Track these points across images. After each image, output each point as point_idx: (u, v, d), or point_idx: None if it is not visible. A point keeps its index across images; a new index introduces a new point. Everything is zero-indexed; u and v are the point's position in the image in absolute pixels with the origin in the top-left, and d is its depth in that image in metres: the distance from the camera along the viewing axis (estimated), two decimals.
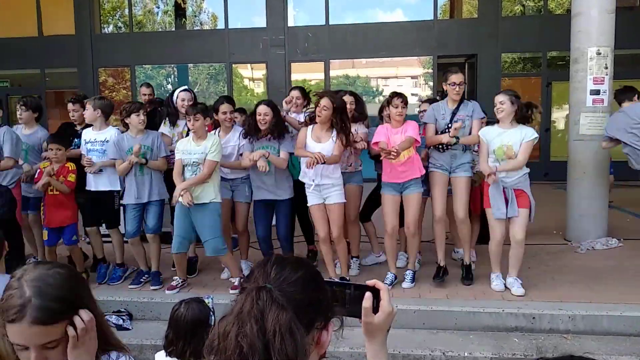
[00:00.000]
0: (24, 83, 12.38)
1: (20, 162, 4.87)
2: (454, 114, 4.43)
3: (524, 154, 4.14)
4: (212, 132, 4.71)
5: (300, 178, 4.43)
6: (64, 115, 5.50)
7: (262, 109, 4.43)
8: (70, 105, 5.21)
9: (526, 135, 4.16)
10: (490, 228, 4.34)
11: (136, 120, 4.48)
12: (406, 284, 4.45)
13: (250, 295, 0.92)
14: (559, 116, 10.75)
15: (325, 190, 4.30)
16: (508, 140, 4.17)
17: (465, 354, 3.66)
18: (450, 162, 4.45)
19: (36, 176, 4.63)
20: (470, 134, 4.41)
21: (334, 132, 4.26)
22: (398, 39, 10.72)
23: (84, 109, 4.84)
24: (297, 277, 0.97)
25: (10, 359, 0.96)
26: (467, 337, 3.88)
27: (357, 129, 4.64)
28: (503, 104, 4.17)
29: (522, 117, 4.21)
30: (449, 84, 4.40)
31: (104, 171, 4.69)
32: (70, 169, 4.61)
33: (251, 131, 4.50)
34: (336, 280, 1.10)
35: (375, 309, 1.08)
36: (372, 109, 5.87)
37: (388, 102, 4.41)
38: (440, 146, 4.44)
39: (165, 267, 4.88)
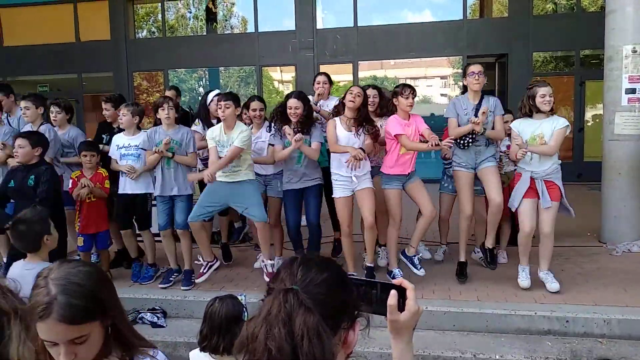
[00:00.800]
0: (63, 87, 12.78)
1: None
2: (477, 108, 4.41)
3: (556, 140, 4.13)
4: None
5: (334, 170, 4.45)
6: (101, 118, 5.68)
7: (293, 102, 4.51)
8: (104, 104, 5.39)
9: (558, 123, 4.17)
10: (520, 221, 4.30)
11: (161, 114, 4.61)
12: (421, 272, 4.44)
13: (278, 298, 0.93)
14: (592, 116, 10.50)
15: (355, 180, 4.36)
16: (540, 130, 4.18)
17: (497, 357, 3.63)
18: (475, 158, 4.45)
19: (70, 186, 4.73)
20: (493, 129, 4.42)
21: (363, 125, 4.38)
22: (427, 39, 10.66)
23: (115, 109, 5.08)
24: (323, 278, 0.98)
25: None
26: (498, 340, 3.86)
27: (382, 124, 4.68)
28: (551, 96, 4.17)
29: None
30: (469, 74, 4.41)
31: (141, 174, 4.82)
32: (103, 175, 4.78)
33: (279, 122, 4.58)
34: (363, 278, 1.12)
35: (401, 307, 1.09)
36: None
37: (396, 93, 4.42)
38: (462, 142, 4.41)
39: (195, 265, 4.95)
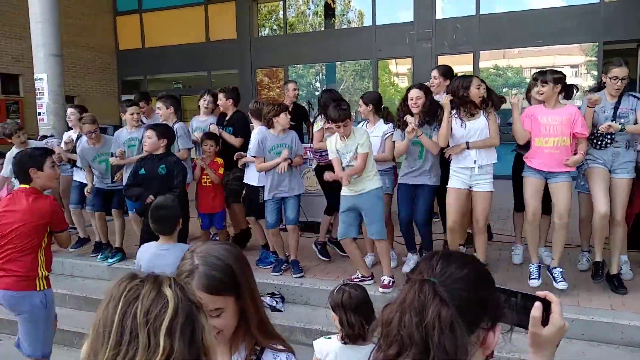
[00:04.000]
0: (193, 84, 13.87)
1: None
2: (616, 108, 4.03)
3: None
4: (360, 124, 4.92)
5: (453, 164, 4.30)
6: None
7: (415, 92, 4.46)
8: (219, 95, 5.66)
9: None
10: None
11: (285, 119, 4.74)
12: (562, 285, 4.09)
13: (414, 288, 0.95)
14: None
15: (476, 176, 4.19)
16: None
17: None
18: (612, 160, 4.08)
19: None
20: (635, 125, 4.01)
21: (481, 113, 4.18)
22: (557, 25, 9.88)
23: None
24: (464, 274, 0.97)
25: None
26: (635, 354, 3.50)
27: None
28: None
29: None
30: (610, 77, 4.00)
31: (251, 167, 5.04)
32: (219, 163, 5.31)
33: (402, 118, 4.50)
34: (503, 287, 1.07)
35: (545, 321, 1.03)
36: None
37: (535, 79, 4.16)
38: (600, 143, 4.06)
39: (303, 257, 5.11)
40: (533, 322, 1.03)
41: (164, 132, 4.51)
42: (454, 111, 4.23)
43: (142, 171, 4.45)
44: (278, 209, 4.85)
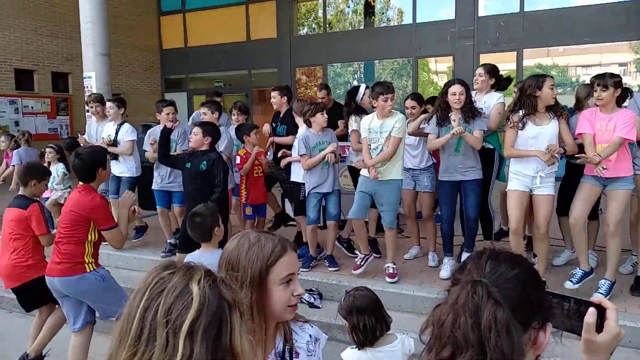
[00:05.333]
0: (234, 83, 14.08)
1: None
2: None
3: None
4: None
5: (513, 167, 4.18)
6: (266, 110, 6.31)
7: (457, 88, 4.37)
8: (273, 94, 5.77)
9: None
10: None
11: (322, 119, 4.82)
12: (569, 284, 4.00)
13: (466, 289, 0.94)
14: None
15: (537, 179, 4.03)
16: None
17: None
18: None
19: (238, 162, 5.39)
20: None
21: (552, 116, 3.99)
22: (604, 22, 9.54)
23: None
24: (514, 274, 0.96)
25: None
26: None
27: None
28: None
29: None
30: None
31: (296, 165, 5.14)
32: (263, 151, 5.51)
33: (444, 113, 4.45)
34: (555, 291, 1.06)
35: (599, 327, 1.01)
36: (569, 101, 5.35)
37: (593, 84, 3.94)
38: None
39: (341, 254, 5.22)
40: (587, 329, 1.00)
41: (210, 130, 4.62)
42: (520, 112, 4.02)
43: (188, 164, 4.59)
44: (320, 205, 4.92)
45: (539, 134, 3.96)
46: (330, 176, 4.86)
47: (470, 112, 4.36)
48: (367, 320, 2.31)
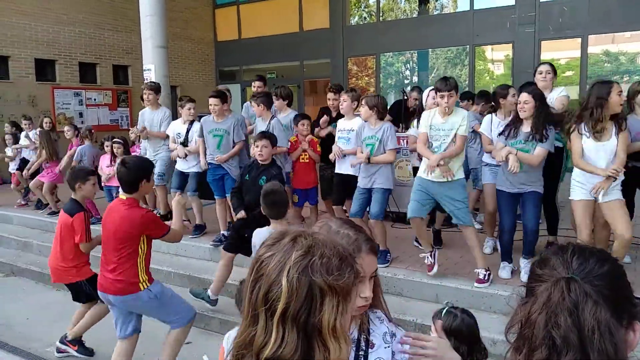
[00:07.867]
0: (286, 74, 14.16)
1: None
2: None
3: None
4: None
5: (575, 177, 3.97)
6: (317, 102, 6.30)
7: (524, 96, 4.05)
8: (330, 94, 5.75)
9: None
10: None
11: (362, 111, 4.77)
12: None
13: (558, 286, 0.89)
14: None
15: (600, 198, 3.80)
16: None
17: None
18: None
19: (288, 147, 5.54)
20: None
21: (615, 130, 3.72)
22: None
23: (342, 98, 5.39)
24: (605, 271, 0.92)
25: None
26: None
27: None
28: None
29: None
30: None
31: (349, 158, 5.08)
32: (315, 140, 5.67)
33: (511, 126, 4.19)
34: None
35: None
36: None
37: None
38: None
39: (395, 247, 5.18)
40: None
41: (275, 141, 4.68)
42: (581, 125, 3.79)
43: (247, 177, 4.58)
44: (365, 199, 4.79)
45: (599, 150, 3.77)
46: (377, 172, 4.68)
47: (539, 125, 4.02)
48: (461, 348, 2.11)
